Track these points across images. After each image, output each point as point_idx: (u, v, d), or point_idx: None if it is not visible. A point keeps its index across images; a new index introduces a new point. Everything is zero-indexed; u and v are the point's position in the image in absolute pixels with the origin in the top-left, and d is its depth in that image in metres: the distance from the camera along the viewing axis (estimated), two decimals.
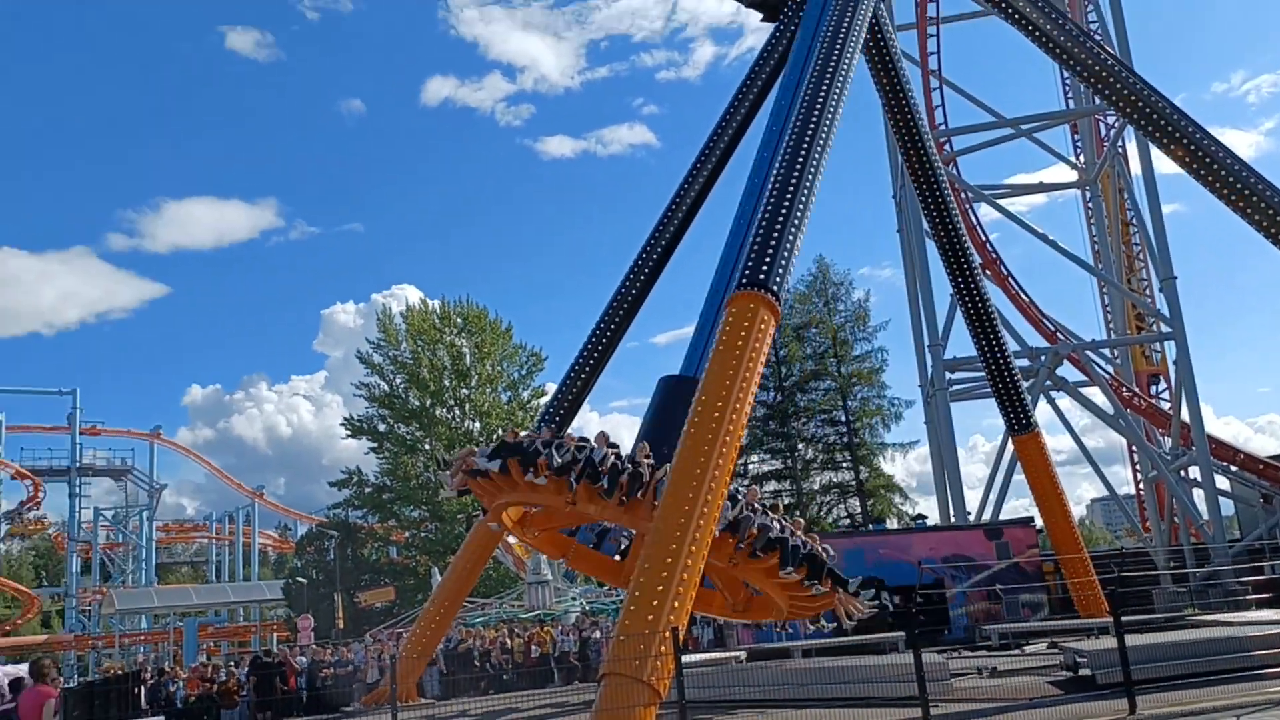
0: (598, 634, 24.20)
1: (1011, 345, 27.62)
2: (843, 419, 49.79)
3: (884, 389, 50.44)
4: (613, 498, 12.86)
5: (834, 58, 17.61)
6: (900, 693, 13.05)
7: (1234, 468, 38.39)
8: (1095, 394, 37.09)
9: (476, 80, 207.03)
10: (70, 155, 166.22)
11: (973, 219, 40.79)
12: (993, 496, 35.43)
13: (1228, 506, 38.95)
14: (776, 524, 13.56)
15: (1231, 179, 21.06)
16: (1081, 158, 45.37)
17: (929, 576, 24.11)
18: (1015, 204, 49.48)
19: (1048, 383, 35.19)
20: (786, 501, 48.80)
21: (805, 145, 16.16)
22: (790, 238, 14.93)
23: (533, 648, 24.14)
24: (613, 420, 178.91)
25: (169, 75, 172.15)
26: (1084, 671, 14.58)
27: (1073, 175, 45.33)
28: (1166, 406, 41.48)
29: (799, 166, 15.80)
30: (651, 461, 13.25)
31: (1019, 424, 23.93)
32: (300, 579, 52.36)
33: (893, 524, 45.45)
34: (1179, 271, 35.45)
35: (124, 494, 74.94)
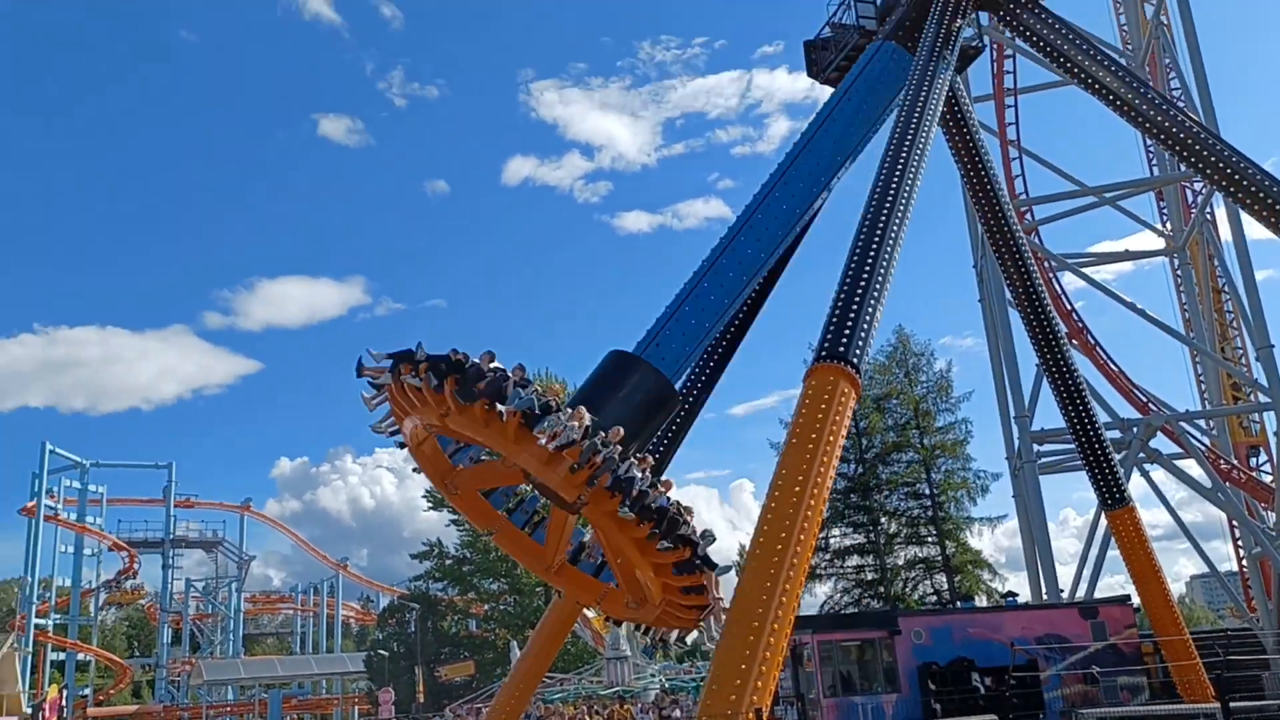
0: (678, 713, 23.86)
1: (1102, 417, 26.90)
2: (927, 492, 48.69)
3: (969, 461, 49.26)
4: (475, 402, 11.71)
5: (911, 131, 17.68)
6: None
7: None
8: (1191, 467, 35.82)
9: (556, 159, 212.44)
10: (171, 237, 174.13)
11: (1057, 288, 40.13)
12: (1086, 573, 34.24)
13: None
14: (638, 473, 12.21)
15: None
16: (1168, 224, 44.44)
17: (1021, 657, 23.23)
18: (1100, 272, 48.61)
19: (1141, 455, 34.08)
20: (870, 577, 47.79)
21: (883, 217, 16.18)
22: (870, 309, 14.86)
23: None
24: (691, 491, 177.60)
25: (266, 160, 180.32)
26: None
27: (1160, 242, 44.37)
28: (1268, 479, 39.77)
29: (877, 238, 15.80)
30: (565, 408, 12.16)
31: (1112, 498, 23.16)
32: (381, 651, 52.70)
33: (982, 601, 44.02)
34: (1276, 339, 34.29)
35: (214, 565, 76.76)
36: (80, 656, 67.33)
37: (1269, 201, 20.84)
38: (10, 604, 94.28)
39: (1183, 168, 29.96)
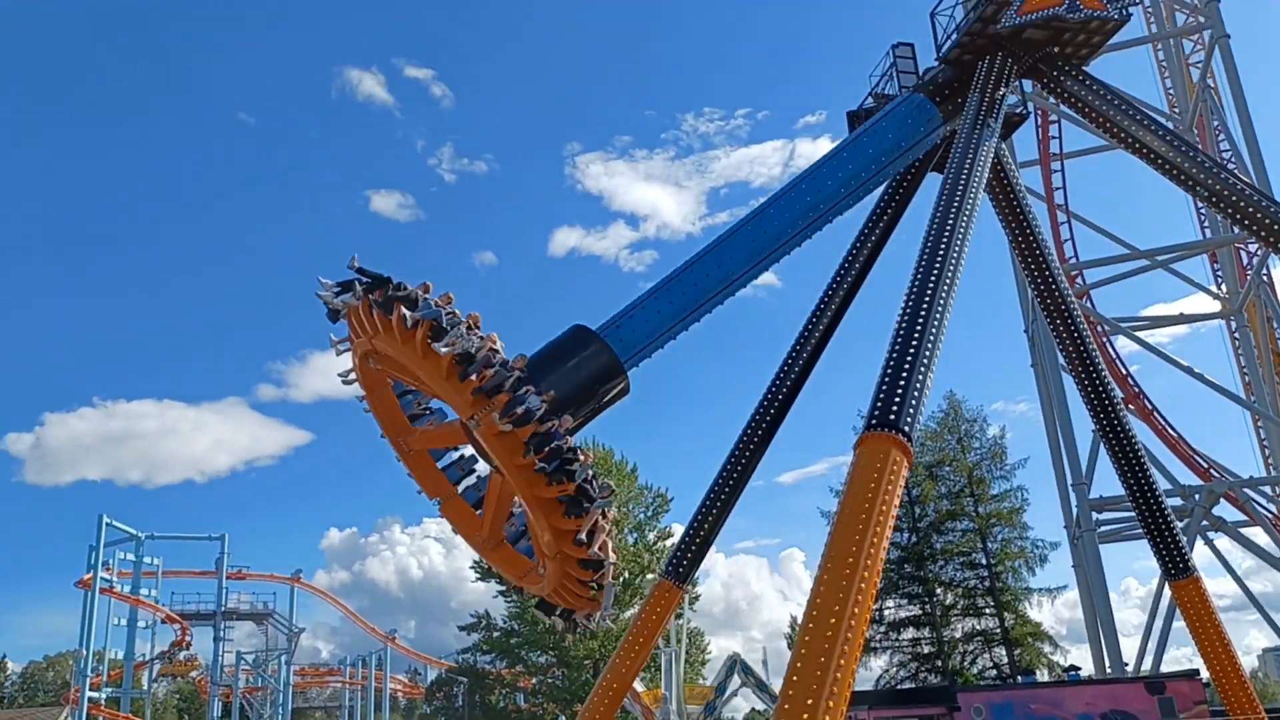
0: None
1: (1162, 484, 26.27)
2: (983, 562, 47.62)
3: (1026, 530, 48.22)
4: (393, 314, 12.40)
5: (957, 198, 17.68)
6: None
7: None
8: (1258, 534, 34.77)
9: (601, 229, 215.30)
10: (230, 312, 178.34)
11: (1111, 352, 39.53)
12: (1151, 646, 33.19)
13: None
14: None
15: None
16: (1223, 286, 43.78)
17: None
18: (1155, 336, 47.88)
19: (1204, 523, 33.17)
20: (927, 650, 46.62)
21: (931, 283, 16.11)
22: (920, 375, 14.71)
23: None
24: (740, 561, 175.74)
25: (320, 234, 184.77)
26: None
27: (1215, 305, 43.68)
28: None
29: (925, 303, 15.72)
30: (503, 356, 12.62)
31: (1176, 568, 22.44)
32: None
33: (1043, 676, 42.73)
34: None
35: (264, 637, 76.75)
36: None
37: None
38: (64, 676, 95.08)
39: (1236, 230, 29.58)
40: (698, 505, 21.79)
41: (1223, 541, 35.54)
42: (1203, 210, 42.69)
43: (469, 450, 15.19)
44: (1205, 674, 23.94)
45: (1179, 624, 27.56)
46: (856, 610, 11.99)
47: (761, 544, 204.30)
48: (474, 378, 12.11)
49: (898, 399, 14.28)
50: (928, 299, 15.82)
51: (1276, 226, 20.84)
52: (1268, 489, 39.83)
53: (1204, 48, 42.58)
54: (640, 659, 20.82)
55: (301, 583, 79.09)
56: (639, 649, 20.49)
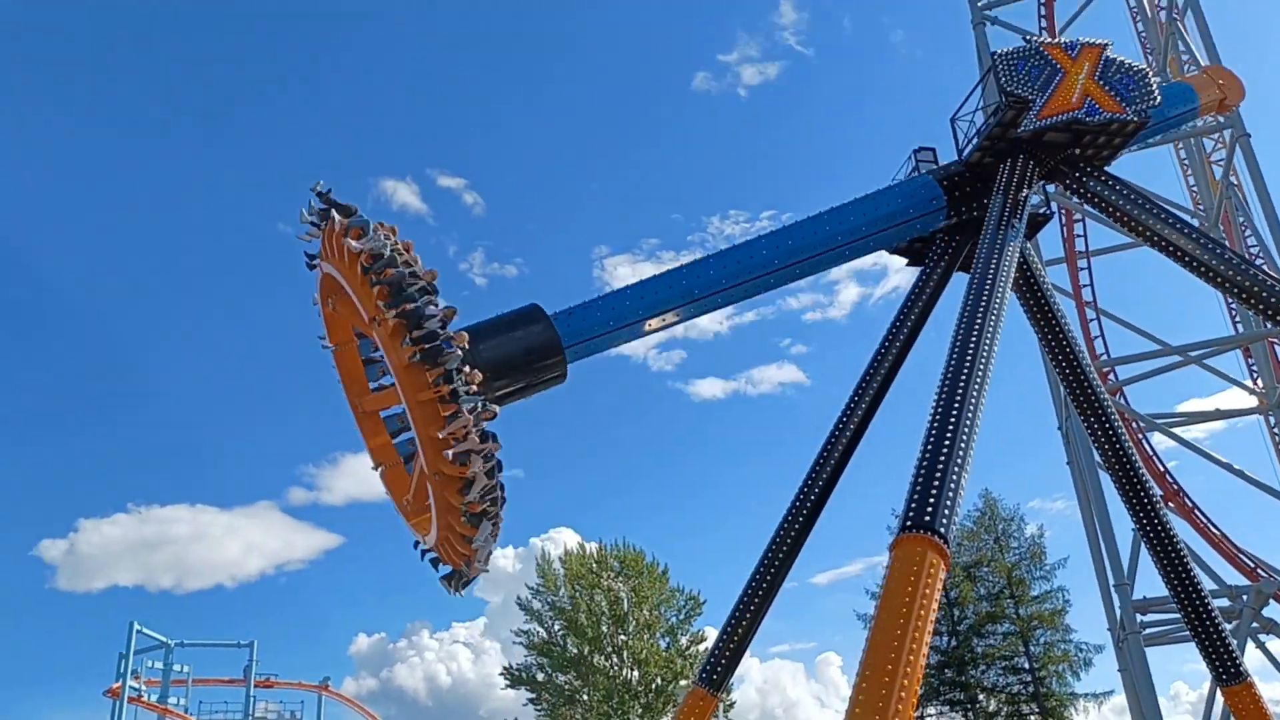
0: None
1: (1207, 584, 25.57)
2: (1026, 666, 46.32)
3: (1069, 632, 47.00)
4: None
5: (984, 299, 17.79)
6: None
7: None
8: None
9: None
10: (264, 418, 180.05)
11: (1148, 449, 38.99)
12: None
13: None
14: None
15: None
16: (1259, 381, 43.27)
17: None
18: (1191, 431, 47.13)
19: (1254, 625, 32.16)
20: None
21: (961, 383, 16.11)
22: (955, 476, 14.59)
23: None
24: (775, 666, 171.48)
25: None
26: None
27: (1252, 400, 43.11)
28: None
29: (957, 404, 15.69)
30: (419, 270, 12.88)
31: (1227, 673, 21.70)
32: None
33: None
34: None
35: None
36: None
37: None
38: None
39: (1268, 324, 29.41)
40: (731, 608, 21.48)
41: (1275, 644, 34.38)
42: (1233, 305, 42.52)
43: None
44: None
45: None
46: (897, 719, 11.73)
47: (796, 648, 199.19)
48: (376, 274, 12.45)
49: (932, 499, 14.15)
50: (959, 397, 15.80)
51: None
52: None
53: (1225, 146, 43.02)
54: None
55: (330, 690, 77.85)
56: None
